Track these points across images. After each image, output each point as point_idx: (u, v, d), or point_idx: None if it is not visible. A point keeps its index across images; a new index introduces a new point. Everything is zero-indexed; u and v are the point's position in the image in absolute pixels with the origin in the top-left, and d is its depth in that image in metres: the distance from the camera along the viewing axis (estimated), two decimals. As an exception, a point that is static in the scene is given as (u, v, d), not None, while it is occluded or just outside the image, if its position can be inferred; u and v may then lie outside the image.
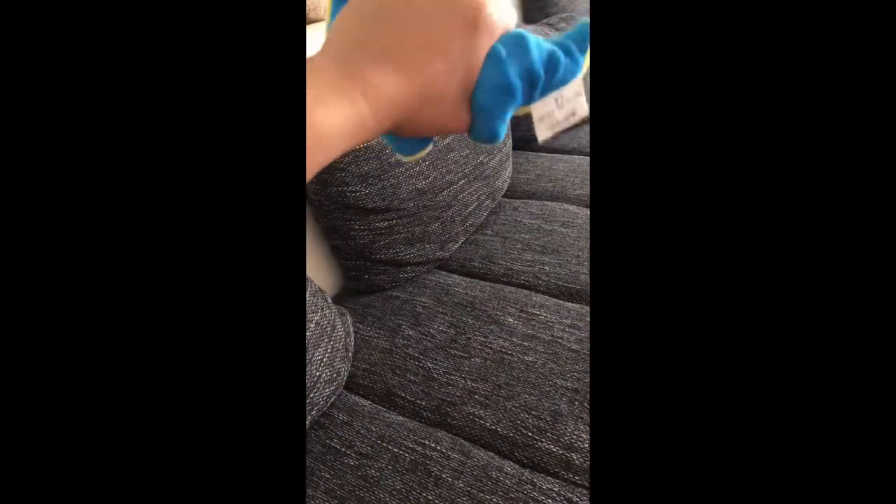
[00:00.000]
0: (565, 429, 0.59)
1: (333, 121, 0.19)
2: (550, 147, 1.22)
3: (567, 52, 0.24)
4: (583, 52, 0.24)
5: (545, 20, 1.33)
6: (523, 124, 1.21)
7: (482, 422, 0.62)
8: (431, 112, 0.22)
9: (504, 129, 0.24)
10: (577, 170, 1.09)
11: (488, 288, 0.81)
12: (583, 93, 0.24)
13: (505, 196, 1.04)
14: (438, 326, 0.75)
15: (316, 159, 0.19)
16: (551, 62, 0.23)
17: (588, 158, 1.13)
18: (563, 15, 1.33)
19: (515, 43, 0.22)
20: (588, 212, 0.94)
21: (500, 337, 0.71)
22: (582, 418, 0.59)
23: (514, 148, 1.19)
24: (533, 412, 0.61)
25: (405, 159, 0.26)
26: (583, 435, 0.58)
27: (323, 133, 0.19)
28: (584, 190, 1.03)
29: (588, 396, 0.61)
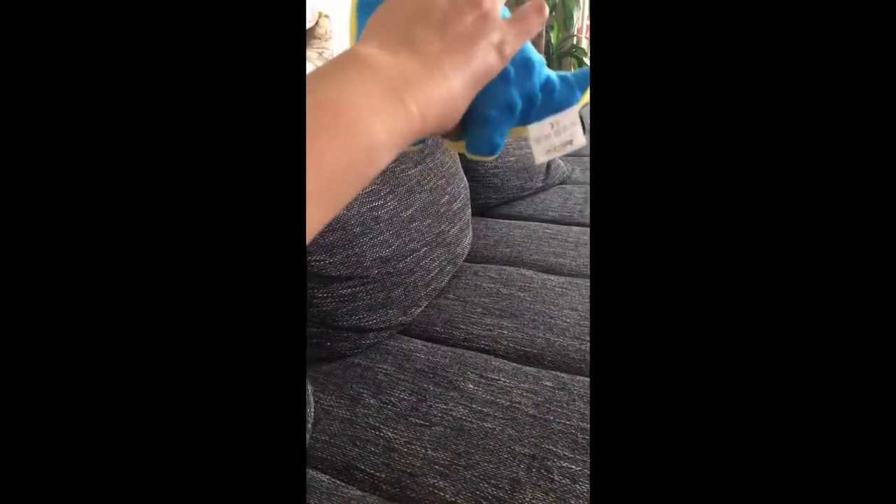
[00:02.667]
0: (523, 497, 0.59)
1: (390, 132, 0.19)
2: (507, 213, 1.30)
3: (565, 82, 0.26)
4: (581, 89, 0.26)
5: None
6: (482, 193, 1.29)
7: (442, 493, 0.62)
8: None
9: (502, 143, 0.26)
10: (532, 235, 1.17)
11: (449, 353, 0.83)
12: (579, 123, 0.26)
13: (466, 261, 1.09)
14: (399, 394, 0.76)
15: (369, 173, 0.18)
16: (548, 84, 0.26)
17: (543, 225, 1.21)
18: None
19: (523, 65, 0.24)
20: (543, 276, 1.00)
21: (459, 404, 0.73)
22: (539, 486, 0.60)
23: (474, 215, 1.26)
24: (492, 481, 0.62)
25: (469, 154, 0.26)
26: (540, 503, 0.59)
27: (379, 145, 0.18)
28: (540, 255, 1.09)
29: (546, 463, 0.63)
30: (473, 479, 0.62)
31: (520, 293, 0.96)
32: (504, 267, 1.05)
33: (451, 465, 0.64)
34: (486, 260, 1.10)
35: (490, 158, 0.26)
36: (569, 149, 0.27)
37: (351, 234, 0.81)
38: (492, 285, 0.99)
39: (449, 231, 1.00)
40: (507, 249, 1.13)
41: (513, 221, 1.25)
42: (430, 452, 0.66)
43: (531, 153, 0.28)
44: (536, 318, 0.89)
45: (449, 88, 0.21)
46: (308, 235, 0.18)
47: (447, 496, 0.61)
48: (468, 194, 1.09)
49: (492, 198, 1.31)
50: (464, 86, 0.22)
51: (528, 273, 1.02)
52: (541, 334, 0.85)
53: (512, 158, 1.30)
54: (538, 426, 0.68)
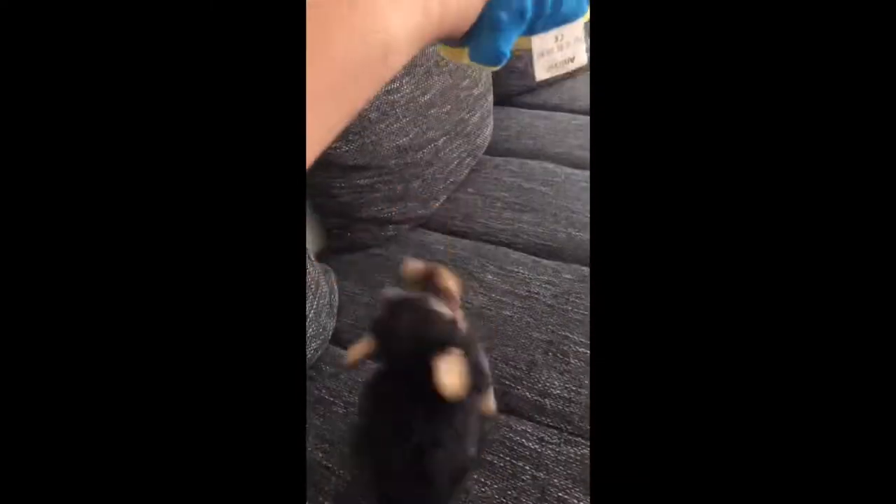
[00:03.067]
0: (539, 377, 0.63)
1: (407, 27, 0.18)
2: (531, 103, 1.21)
3: None
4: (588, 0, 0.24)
5: None
6: (505, 79, 1.18)
7: (462, 372, 0.66)
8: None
9: (508, 53, 0.24)
10: (556, 127, 1.09)
11: (469, 246, 0.83)
12: (583, 40, 0.25)
13: (486, 153, 1.04)
14: (420, 283, 0.78)
15: (384, 73, 0.18)
16: None
17: (569, 116, 1.12)
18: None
19: None
20: (567, 170, 0.95)
21: (479, 293, 0.74)
22: (555, 367, 0.64)
23: (495, 104, 1.18)
24: (510, 363, 0.65)
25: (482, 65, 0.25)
26: (555, 382, 0.62)
27: (395, 41, 0.17)
28: (564, 148, 1.03)
29: (562, 348, 0.65)
30: (491, 360, 0.66)
31: (542, 187, 0.92)
32: (526, 160, 1.00)
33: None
34: (508, 152, 1.05)
35: (494, 68, 0.24)
36: (570, 67, 0.25)
37: (366, 120, 0.77)
38: (513, 179, 0.95)
39: (469, 119, 0.94)
40: (530, 141, 1.07)
41: (536, 111, 1.16)
42: (450, 336, 0.70)
43: (532, 69, 0.26)
44: (558, 212, 0.87)
45: None
46: (317, 143, 0.17)
47: (467, 374, 0.65)
48: (490, 79, 1.01)
49: (514, 85, 1.21)
50: None
51: (551, 166, 0.97)
52: (562, 229, 0.84)
53: (539, 39, 1.17)
54: (556, 315, 0.70)
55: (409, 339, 0.41)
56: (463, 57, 0.25)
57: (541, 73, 0.26)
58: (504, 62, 0.24)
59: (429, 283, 0.46)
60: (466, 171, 0.97)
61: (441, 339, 0.41)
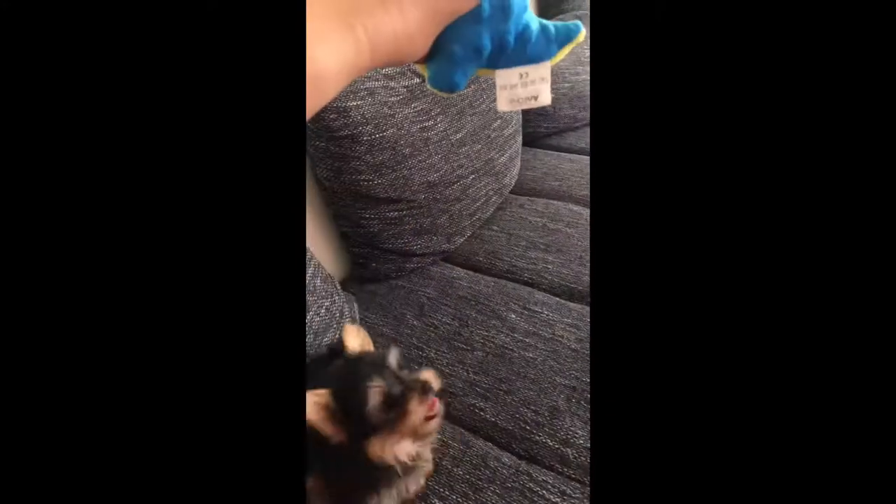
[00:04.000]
0: (562, 424, 0.61)
1: (336, 60, 0.18)
2: (558, 145, 1.23)
3: (545, 34, 0.25)
4: (560, 45, 0.25)
5: (560, 15, 1.33)
6: (533, 121, 1.21)
7: (482, 413, 0.64)
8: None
9: (463, 83, 0.25)
10: (583, 170, 1.10)
11: (492, 283, 0.83)
12: (548, 80, 0.25)
13: (512, 192, 1.05)
14: (442, 318, 0.77)
15: (315, 102, 0.18)
16: (525, 33, 0.24)
17: (595, 159, 1.14)
18: (578, 13, 1.33)
19: (500, 7, 0.23)
20: (593, 213, 0.96)
21: (501, 332, 0.73)
22: (578, 415, 0.62)
23: (524, 144, 1.20)
24: (532, 407, 0.63)
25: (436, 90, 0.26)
26: (579, 431, 0.60)
27: (324, 73, 0.18)
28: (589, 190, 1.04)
29: (585, 395, 0.64)
30: (513, 403, 0.64)
31: (567, 229, 0.92)
32: (552, 201, 1.01)
33: (492, 388, 0.66)
34: (534, 193, 1.06)
35: (448, 95, 0.25)
36: (533, 104, 0.25)
37: (400, 155, 0.79)
38: (538, 219, 0.96)
39: (498, 159, 0.95)
40: (556, 183, 1.08)
41: (562, 154, 1.18)
42: (471, 375, 0.68)
43: (496, 98, 0.27)
44: (584, 255, 0.87)
45: (405, 21, 0.20)
46: None
47: (487, 416, 0.64)
48: (520, 120, 1.03)
49: (542, 126, 1.24)
50: (423, 21, 0.21)
51: (577, 209, 0.98)
52: (587, 272, 0.83)
53: (567, 85, 1.20)
54: (580, 360, 0.68)
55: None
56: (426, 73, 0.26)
57: (502, 104, 0.26)
58: (459, 91, 0.25)
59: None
60: (492, 209, 0.98)
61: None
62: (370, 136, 0.75)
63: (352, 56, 0.19)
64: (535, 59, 0.25)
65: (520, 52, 0.24)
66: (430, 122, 0.82)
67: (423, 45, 0.22)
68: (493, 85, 0.26)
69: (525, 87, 0.25)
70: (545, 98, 0.26)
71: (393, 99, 0.77)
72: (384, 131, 0.76)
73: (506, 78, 0.25)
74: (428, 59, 0.24)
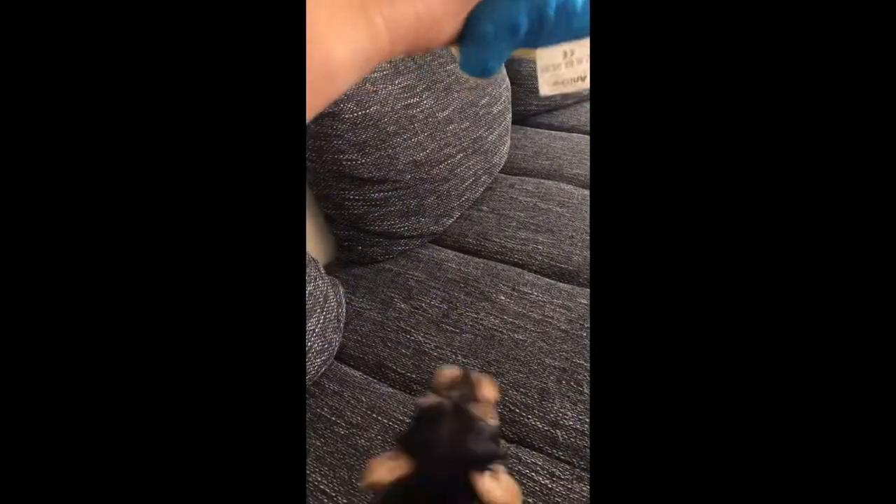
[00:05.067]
0: (552, 406, 0.60)
1: (351, 49, 0.17)
2: (549, 124, 1.20)
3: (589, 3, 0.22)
4: None
5: None
6: (523, 98, 1.18)
7: (471, 396, 0.63)
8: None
9: (497, 67, 0.22)
10: (574, 148, 1.08)
11: (481, 265, 0.81)
12: None
13: (502, 172, 1.03)
14: (431, 301, 0.75)
15: (328, 93, 0.17)
16: (567, 4, 0.21)
17: (587, 137, 1.11)
18: None
19: None
20: (584, 192, 0.94)
21: (491, 314, 0.72)
22: (568, 397, 0.61)
23: (513, 122, 1.17)
24: (521, 389, 0.62)
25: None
26: (568, 413, 0.59)
27: (338, 62, 0.16)
28: (581, 169, 1.02)
29: (575, 376, 0.63)
30: (503, 385, 0.63)
31: (558, 208, 0.91)
32: (542, 180, 0.98)
33: (482, 371, 0.65)
34: (524, 172, 1.04)
35: (482, 81, 0.22)
36: (580, 85, 0.22)
37: (384, 133, 0.76)
38: (528, 199, 0.94)
39: (487, 137, 0.93)
40: (547, 162, 1.05)
41: (554, 132, 1.15)
42: (460, 358, 0.67)
43: (537, 81, 0.23)
44: (574, 234, 0.85)
45: (427, 2, 0.18)
46: None
47: (476, 399, 0.63)
48: (510, 97, 1.00)
49: (532, 104, 1.20)
50: (446, 2, 0.19)
51: (568, 188, 0.96)
52: (578, 251, 0.82)
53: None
54: (570, 341, 0.67)
55: (449, 454, 0.35)
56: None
57: (545, 88, 0.23)
58: (492, 76, 0.22)
59: (463, 388, 0.39)
60: (482, 189, 0.96)
61: (486, 455, 0.35)
62: (352, 113, 0.72)
63: (367, 44, 0.17)
64: (580, 33, 0.21)
65: (563, 26, 0.21)
66: (416, 99, 0.79)
67: (450, 28, 0.20)
68: None
69: (570, 67, 0.22)
70: None
71: (376, 75, 0.74)
72: (367, 108, 0.73)
73: (548, 58, 0.22)
74: (459, 40, 0.21)
